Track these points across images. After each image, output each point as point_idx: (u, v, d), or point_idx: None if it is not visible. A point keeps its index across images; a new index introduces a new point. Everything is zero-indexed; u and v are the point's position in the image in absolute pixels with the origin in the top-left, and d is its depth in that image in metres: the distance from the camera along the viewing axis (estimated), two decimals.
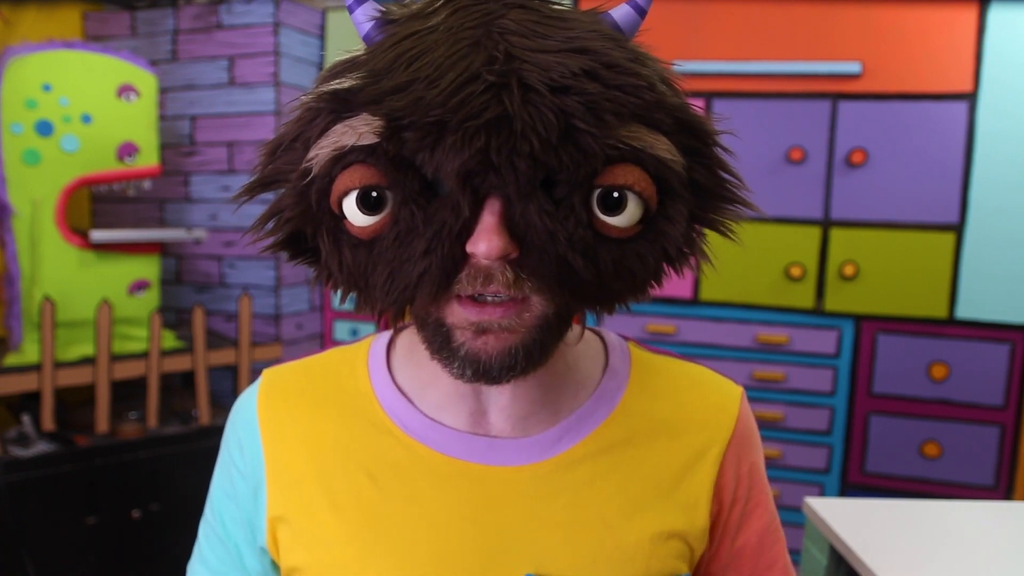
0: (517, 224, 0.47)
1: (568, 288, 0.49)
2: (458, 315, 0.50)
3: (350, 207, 0.49)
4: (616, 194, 0.48)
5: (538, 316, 0.51)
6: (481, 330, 0.50)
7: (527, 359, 0.51)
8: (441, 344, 0.52)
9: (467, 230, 0.47)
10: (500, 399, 0.60)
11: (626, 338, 0.69)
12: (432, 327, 0.52)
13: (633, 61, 0.49)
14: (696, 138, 0.52)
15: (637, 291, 0.54)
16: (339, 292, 0.55)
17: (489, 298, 0.49)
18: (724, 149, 0.54)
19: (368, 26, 0.52)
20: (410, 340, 0.63)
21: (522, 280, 0.48)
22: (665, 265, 0.54)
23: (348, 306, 2.59)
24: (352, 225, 0.50)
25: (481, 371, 0.51)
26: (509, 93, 0.45)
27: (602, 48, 0.48)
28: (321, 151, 0.50)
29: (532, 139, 0.45)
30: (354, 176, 0.49)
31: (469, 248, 0.47)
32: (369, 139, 0.48)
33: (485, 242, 0.46)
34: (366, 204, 0.49)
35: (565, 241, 0.47)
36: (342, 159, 0.49)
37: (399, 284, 0.49)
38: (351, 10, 0.53)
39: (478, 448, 0.60)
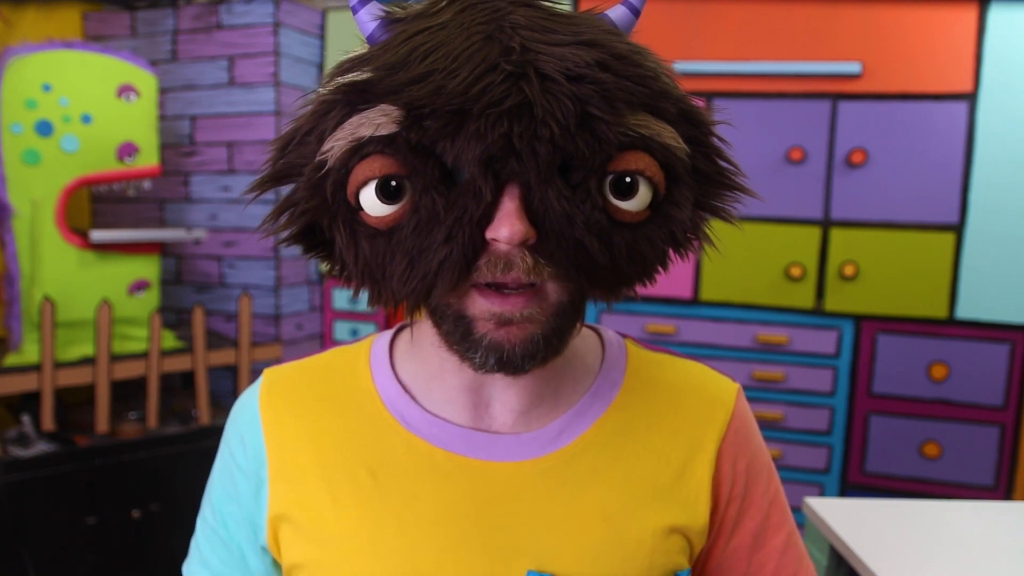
0: (536, 209, 0.48)
1: (584, 272, 0.50)
2: (480, 306, 0.51)
3: (368, 197, 0.50)
4: (628, 179, 0.50)
5: (555, 304, 0.52)
6: (504, 321, 0.51)
7: (547, 347, 0.53)
8: (462, 335, 0.52)
9: (487, 217, 0.48)
10: (504, 393, 0.61)
11: (623, 335, 0.69)
12: (452, 319, 0.52)
13: (637, 54, 0.51)
14: (696, 127, 0.54)
15: (645, 275, 0.55)
16: (352, 286, 0.55)
17: (507, 289, 0.50)
18: (721, 139, 0.56)
19: (372, 26, 0.53)
20: (413, 336, 0.64)
21: (541, 265, 0.49)
22: (671, 251, 0.56)
23: (348, 306, 2.59)
24: (370, 215, 0.51)
25: (504, 360, 0.52)
26: (528, 82, 0.46)
27: (608, 41, 0.50)
28: (337, 143, 0.50)
29: (552, 125, 0.46)
30: (373, 166, 0.49)
31: (490, 234, 0.48)
32: (388, 129, 0.48)
33: (507, 227, 0.47)
34: (385, 194, 0.49)
35: (582, 225, 0.49)
36: (359, 150, 0.49)
37: (419, 272, 0.50)
38: (355, 10, 0.54)
39: (479, 444, 0.60)
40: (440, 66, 0.47)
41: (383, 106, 0.48)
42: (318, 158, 0.51)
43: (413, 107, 0.47)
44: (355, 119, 0.49)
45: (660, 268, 0.56)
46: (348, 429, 0.62)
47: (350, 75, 0.50)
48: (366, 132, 0.49)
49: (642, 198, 0.51)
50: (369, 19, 0.53)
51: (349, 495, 0.60)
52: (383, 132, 0.48)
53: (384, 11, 0.54)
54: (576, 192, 0.49)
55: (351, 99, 0.50)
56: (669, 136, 0.51)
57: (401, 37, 0.50)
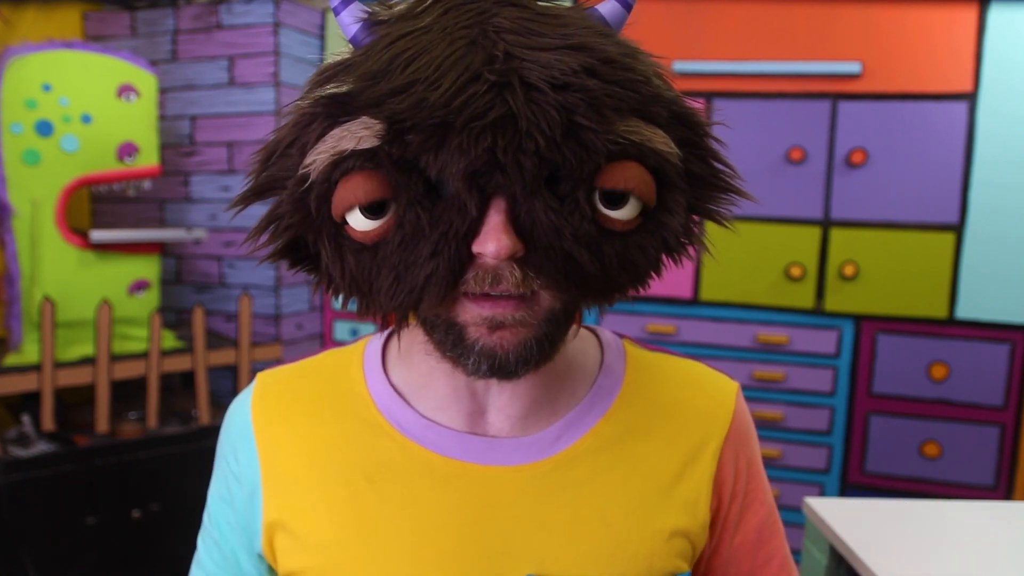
0: (523, 222, 0.47)
1: (574, 282, 0.49)
2: (471, 312, 0.50)
3: (353, 212, 0.49)
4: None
5: (547, 310, 0.51)
6: (495, 325, 0.50)
7: (540, 352, 0.52)
8: (455, 342, 0.51)
9: (473, 231, 0.47)
10: (499, 398, 0.60)
11: (621, 336, 0.69)
12: (443, 327, 0.52)
13: (627, 56, 0.50)
14: (690, 130, 0.53)
15: (639, 282, 0.54)
16: (340, 297, 0.54)
17: (496, 294, 0.49)
18: (716, 140, 0.55)
19: (355, 28, 0.52)
20: (406, 341, 0.63)
21: (530, 278, 0.48)
22: (665, 256, 0.55)
23: (349, 307, 2.59)
24: (354, 230, 0.50)
25: (498, 366, 0.51)
26: (512, 92, 0.45)
27: (597, 44, 0.48)
28: (319, 156, 0.49)
29: (537, 137, 0.45)
30: (357, 191, 0.48)
31: (476, 249, 0.47)
32: (370, 143, 0.47)
33: (494, 242, 0.46)
34: (369, 208, 0.48)
35: (571, 236, 0.48)
36: (341, 164, 0.48)
37: (405, 287, 0.49)
38: (336, 12, 0.52)
39: (476, 448, 0.59)
40: (422, 75, 0.45)
41: (365, 119, 0.47)
42: (300, 171, 0.50)
43: (395, 120, 0.46)
44: (336, 132, 0.48)
45: (653, 274, 0.55)
46: (343, 434, 0.61)
47: (331, 85, 0.49)
48: (348, 146, 0.47)
49: (633, 206, 0.49)
50: (351, 21, 0.52)
51: (345, 501, 0.59)
52: (365, 146, 0.47)
53: (367, 12, 0.52)
54: (564, 203, 0.48)
55: (332, 111, 0.48)
56: (660, 141, 0.50)
57: (384, 42, 0.49)
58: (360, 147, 0.47)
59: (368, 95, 0.47)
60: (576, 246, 0.48)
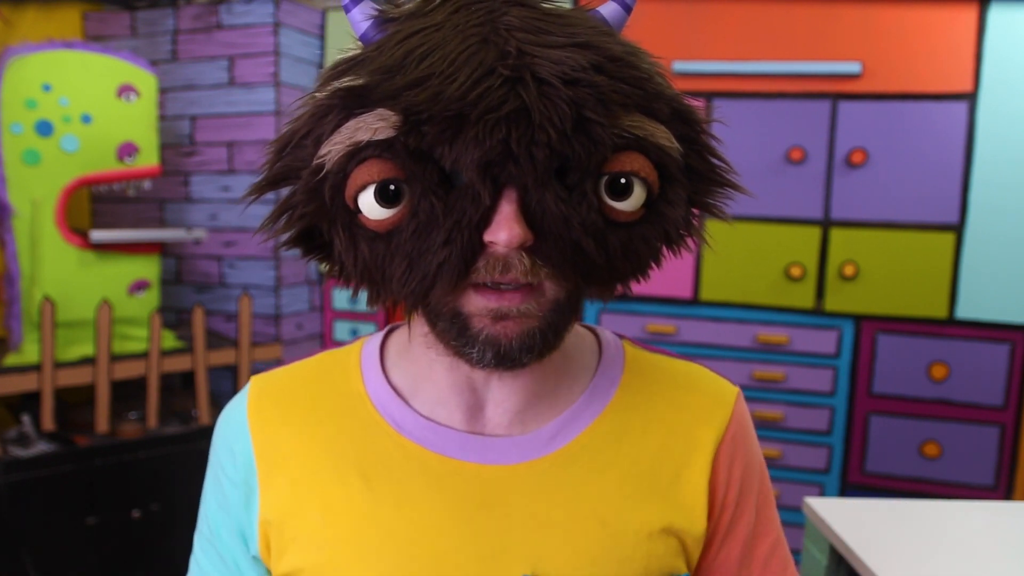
0: (533, 212, 0.49)
1: (580, 271, 0.51)
2: (476, 303, 0.51)
3: (367, 201, 0.50)
4: (623, 180, 0.51)
5: (551, 300, 0.52)
6: (500, 316, 0.51)
7: (544, 342, 0.53)
8: (459, 332, 0.52)
9: (485, 220, 0.48)
10: (498, 393, 0.60)
11: (621, 336, 0.69)
12: (448, 317, 0.52)
13: (630, 55, 0.52)
14: (689, 126, 0.55)
15: (640, 272, 0.56)
16: (351, 286, 0.56)
17: (503, 286, 0.51)
18: (713, 137, 0.57)
19: (365, 25, 0.53)
20: (403, 339, 0.63)
21: (538, 267, 0.50)
22: (665, 248, 0.56)
23: (348, 306, 2.59)
24: (368, 219, 0.51)
25: (502, 354, 0.52)
26: (525, 86, 0.47)
27: (602, 43, 0.50)
28: (334, 147, 0.50)
29: (549, 130, 0.47)
30: (371, 170, 0.49)
31: (488, 237, 0.48)
32: (386, 133, 0.48)
33: (506, 230, 0.47)
34: (384, 197, 0.50)
35: (579, 226, 0.49)
36: (357, 154, 0.50)
37: (417, 274, 0.50)
38: (347, 9, 0.54)
39: (474, 447, 0.59)
40: (437, 70, 0.47)
41: (381, 110, 0.49)
42: (315, 162, 0.52)
43: (411, 112, 0.47)
44: (352, 123, 0.50)
45: (654, 265, 0.57)
46: (339, 434, 0.61)
47: (346, 78, 0.51)
48: (364, 137, 0.49)
49: (636, 198, 0.51)
50: (362, 18, 0.53)
51: (341, 501, 0.59)
52: (381, 137, 0.48)
53: (377, 10, 0.54)
54: (572, 194, 0.49)
55: (348, 103, 0.50)
56: (663, 136, 0.52)
57: (396, 38, 0.50)
58: (376, 138, 0.49)
59: (384, 88, 0.48)
60: (584, 236, 0.49)
